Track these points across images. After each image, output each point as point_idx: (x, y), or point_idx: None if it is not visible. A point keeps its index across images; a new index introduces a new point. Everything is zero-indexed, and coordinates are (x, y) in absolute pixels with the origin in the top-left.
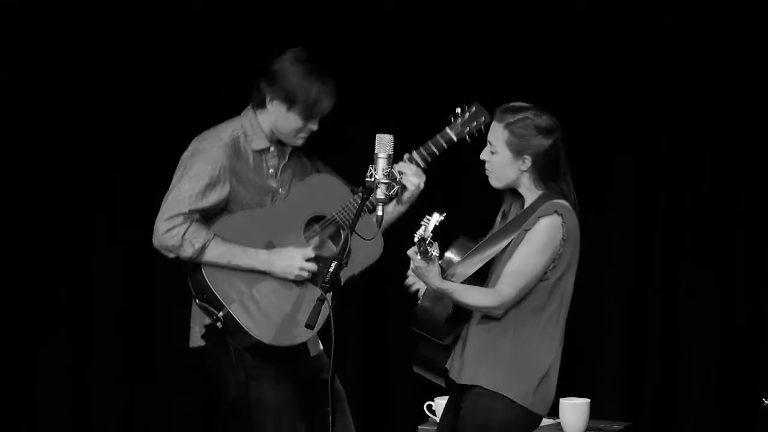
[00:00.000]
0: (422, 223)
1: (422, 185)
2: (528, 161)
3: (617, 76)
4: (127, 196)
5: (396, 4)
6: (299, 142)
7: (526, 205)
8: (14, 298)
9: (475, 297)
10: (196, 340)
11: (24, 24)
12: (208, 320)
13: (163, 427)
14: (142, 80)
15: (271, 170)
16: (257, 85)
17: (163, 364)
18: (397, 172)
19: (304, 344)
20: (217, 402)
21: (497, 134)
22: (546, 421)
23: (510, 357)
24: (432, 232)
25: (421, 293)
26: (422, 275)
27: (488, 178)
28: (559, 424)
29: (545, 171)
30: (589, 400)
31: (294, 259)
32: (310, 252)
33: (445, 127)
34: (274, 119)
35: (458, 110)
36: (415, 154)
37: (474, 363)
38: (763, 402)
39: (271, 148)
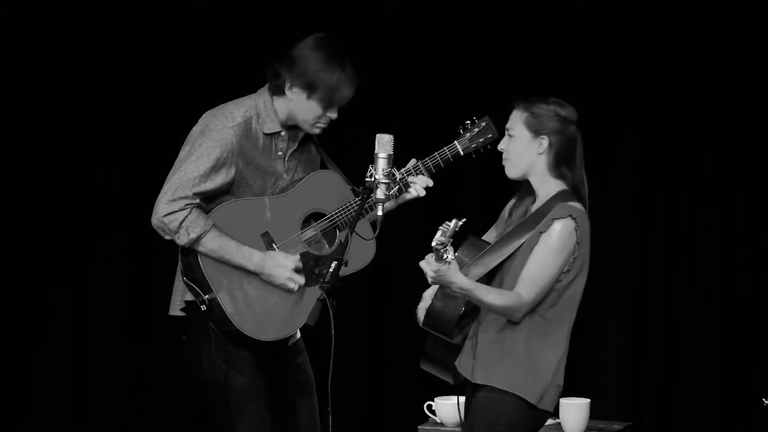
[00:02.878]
0: (441, 228)
1: (423, 195)
2: (545, 142)
3: (618, 73)
4: (127, 195)
5: (396, 3)
6: (317, 130)
7: (538, 201)
8: (14, 297)
9: (495, 298)
10: (175, 309)
11: (24, 25)
12: (190, 296)
13: (163, 426)
14: (142, 79)
15: (279, 153)
16: (276, 70)
17: (164, 363)
18: (397, 172)
19: None
20: (190, 377)
21: (516, 119)
22: (546, 421)
23: (523, 357)
24: (450, 237)
25: (431, 293)
26: (444, 278)
27: (505, 168)
28: (559, 424)
29: (562, 155)
30: (589, 400)
31: (285, 268)
32: (299, 264)
33: (453, 141)
34: (293, 106)
35: (468, 123)
36: (420, 165)
37: (488, 363)
38: (763, 402)
39: (282, 133)
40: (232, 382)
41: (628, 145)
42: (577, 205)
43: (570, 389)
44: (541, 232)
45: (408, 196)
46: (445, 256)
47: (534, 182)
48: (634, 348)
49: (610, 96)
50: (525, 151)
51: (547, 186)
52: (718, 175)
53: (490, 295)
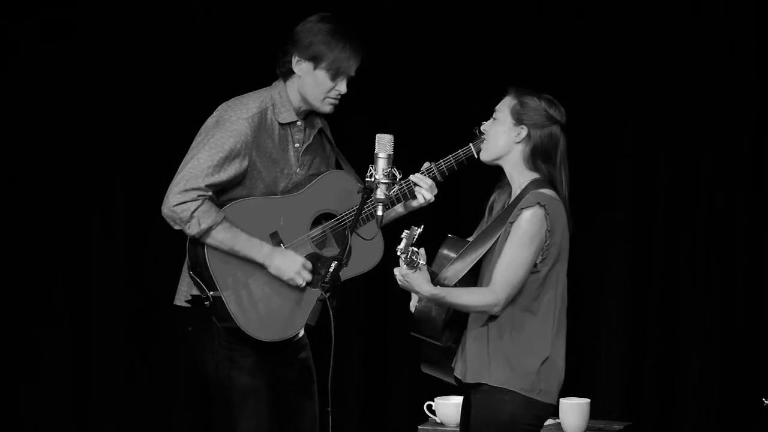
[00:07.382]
0: (402, 237)
1: (432, 200)
2: (524, 132)
3: (618, 76)
4: (127, 189)
5: (397, 3)
6: (328, 107)
7: (513, 193)
8: (14, 296)
9: (468, 298)
10: (181, 300)
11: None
12: (196, 290)
13: (163, 425)
14: (142, 76)
15: (296, 144)
16: (283, 49)
17: (163, 362)
18: (397, 172)
19: None
20: (193, 370)
21: (505, 104)
22: (546, 421)
23: (510, 352)
24: (413, 244)
25: (415, 298)
26: (411, 285)
27: (480, 151)
28: (559, 424)
29: (538, 149)
30: (589, 400)
31: (294, 264)
32: (309, 263)
33: (468, 143)
34: (302, 83)
35: (483, 125)
36: (434, 167)
37: (476, 362)
38: (763, 402)
39: (298, 122)
40: (234, 381)
41: (629, 146)
42: (548, 192)
43: (570, 389)
44: (511, 223)
45: (415, 203)
46: (415, 262)
47: (508, 171)
48: (634, 348)
49: (612, 93)
50: (503, 135)
51: (520, 177)
52: (718, 174)
53: (464, 297)
